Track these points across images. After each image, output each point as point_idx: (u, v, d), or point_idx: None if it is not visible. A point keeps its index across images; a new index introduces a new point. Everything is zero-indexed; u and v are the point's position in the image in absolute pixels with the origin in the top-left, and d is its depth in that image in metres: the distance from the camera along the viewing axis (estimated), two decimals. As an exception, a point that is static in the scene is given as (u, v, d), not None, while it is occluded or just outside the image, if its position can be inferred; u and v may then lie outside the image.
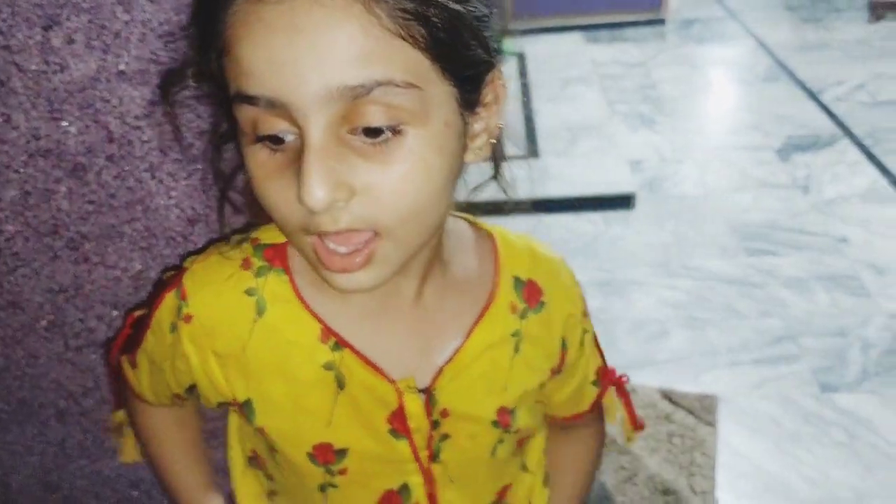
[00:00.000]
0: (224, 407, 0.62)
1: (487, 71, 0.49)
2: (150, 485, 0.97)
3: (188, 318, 0.57)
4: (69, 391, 0.89)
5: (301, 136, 0.44)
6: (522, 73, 3.60)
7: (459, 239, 0.62)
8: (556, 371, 0.67)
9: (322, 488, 0.62)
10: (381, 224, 0.46)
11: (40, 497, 0.98)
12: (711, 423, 1.69)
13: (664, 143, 2.93)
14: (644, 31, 4.05)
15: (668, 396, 1.76)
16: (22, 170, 0.72)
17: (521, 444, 0.70)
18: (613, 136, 2.99)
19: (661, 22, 4.10)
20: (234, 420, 0.70)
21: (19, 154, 0.71)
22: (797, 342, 1.93)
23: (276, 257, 0.58)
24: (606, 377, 0.74)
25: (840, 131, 2.90)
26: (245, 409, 0.60)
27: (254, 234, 0.60)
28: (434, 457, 0.62)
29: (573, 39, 3.99)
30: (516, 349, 0.62)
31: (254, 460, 0.69)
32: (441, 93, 0.46)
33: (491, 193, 0.60)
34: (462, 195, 0.55)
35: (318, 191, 0.43)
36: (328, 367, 0.57)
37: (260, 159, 0.47)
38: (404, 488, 0.63)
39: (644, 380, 1.81)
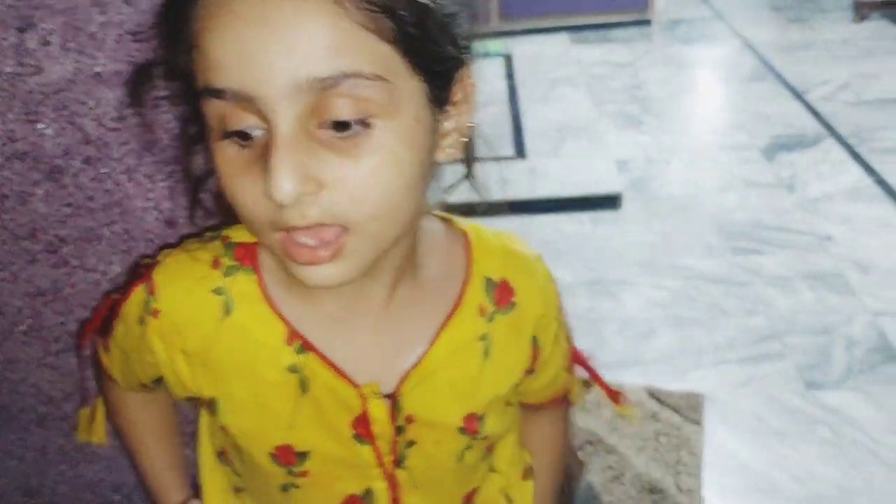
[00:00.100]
0: (192, 402, 0.62)
1: (457, 69, 0.49)
2: (131, 489, 0.96)
3: (156, 313, 0.57)
4: (49, 396, 0.88)
5: (269, 131, 0.44)
6: (510, 73, 3.60)
7: (434, 240, 0.61)
8: (530, 371, 0.66)
9: (284, 488, 0.62)
10: (351, 219, 0.45)
11: (21, 502, 0.98)
12: (698, 422, 1.70)
13: (651, 144, 2.95)
14: (631, 31, 4.07)
15: (654, 395, 1.76)
16: (-2, 173, 0.72)
17: (491, 448, 0.69)
18: (600, 136, 3.00)
19: (647, 23, 4.13)
20: (205, 414, 0.69)
21: (-5, 157, 0.71)
22: (782, 340, 1.94)
23: (246, 256, 0.58)
24: (573, 359, 0.74)
25: (825, 130, 2.92)
26: (210, 406, 0.60)
27: (225, 232, 0.59)
28: (399, 462, 0.62)
29: (560, 40, 4.00)
30: (486, 353, 0.62)
31: (222, 455, 0.69)
32: (410, 87, 0.46)
33: (469, 194, 0.60)
34: (437, 197, 0.55)
35: (286, 184, 0.42)
36: (292, 369, 0.57)
37: (228, 156, 0.46)
38: (368, 493, 0.62)
39: (631, 379, 1.81)
